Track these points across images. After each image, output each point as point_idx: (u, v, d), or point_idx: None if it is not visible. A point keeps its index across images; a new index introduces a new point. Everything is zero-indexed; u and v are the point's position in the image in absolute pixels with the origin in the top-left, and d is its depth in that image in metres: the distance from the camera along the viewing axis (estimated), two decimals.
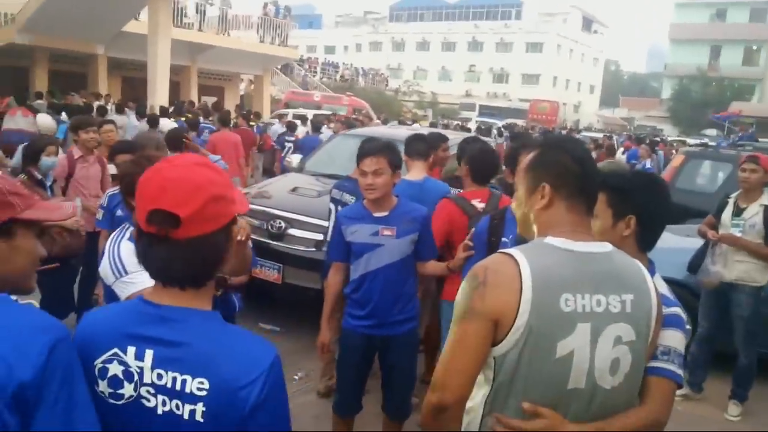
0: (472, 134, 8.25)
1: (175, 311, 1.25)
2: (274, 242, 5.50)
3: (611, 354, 1.51)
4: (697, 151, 8.48)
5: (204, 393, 1.20)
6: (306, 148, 9.06)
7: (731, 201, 4.51)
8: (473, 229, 3.17)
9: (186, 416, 1.21)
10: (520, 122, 35.29)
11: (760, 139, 20.36)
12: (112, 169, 5.09)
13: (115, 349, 1.24)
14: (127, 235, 2.39)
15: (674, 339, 1.70)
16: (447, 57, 57.43)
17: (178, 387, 1.21)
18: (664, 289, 1.79)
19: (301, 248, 5.40)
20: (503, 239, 3.03)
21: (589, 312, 1.48)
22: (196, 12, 20.61)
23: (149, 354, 1.22)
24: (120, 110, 12.49)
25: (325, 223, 5.34)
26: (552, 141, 1.75)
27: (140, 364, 1.22)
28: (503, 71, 55.25)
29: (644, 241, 1.89)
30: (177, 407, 1.21)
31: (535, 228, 1.65)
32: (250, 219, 5.68)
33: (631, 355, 1.54)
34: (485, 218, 3.23)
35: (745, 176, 4.39)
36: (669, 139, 27.41)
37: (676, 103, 44.12)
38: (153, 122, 10.03)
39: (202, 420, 1.20)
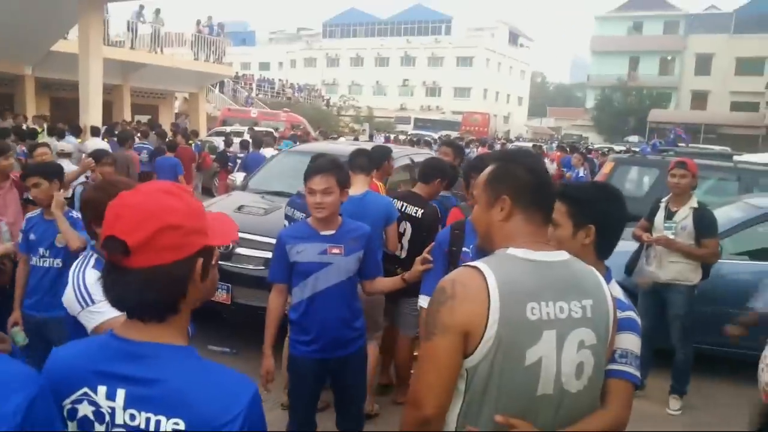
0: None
1: (145, 347, 1.18)
2: (222, 262, 5.43)
3: (576, 358, 1.56)
4: (625, 158, 8.96)
5: None
6: (251, 165, 9.03)
7: (663, 205, 4.75)
8: (432, 243, 3.15)
9: None
10: (454, 134, 36.03)
11: (679, 144, 21.63)
12: None
13: (85, 389, 1.17)
14: (92, 262, 2.31)
15: (630, 342, 1.79)
16: (381, 72, 58.10)
17: (152, 428, 1.14)
18: (619, 293, 1.89)
19: (250, 267, 5.36)
20: (464, 249, 3.07)
21: (554, 319, 1.52)
22: (128, 30, 20.14)
23: (121, 393, 1.16)
24: (52, 132, 12.05)
25: (272, 241, 5.36)
26: (508, 155, 1.83)
27: (111, 404, 1.16)
28: (435, 85, 56.33)
29: (602, 250, 1.97)
30: None
31: (495, 239, 1.68)
32: None
33: (593, 359, 1.59)
34: (446, 229, 3.26)
35: (675, 181, 4.61)
36: (596, 146, 28.61)
37: (600, 112, 46.18)
38: (123, 140, 9.74)
39: None
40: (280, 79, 42.93)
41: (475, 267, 1.55)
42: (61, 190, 3.89)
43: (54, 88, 19.59)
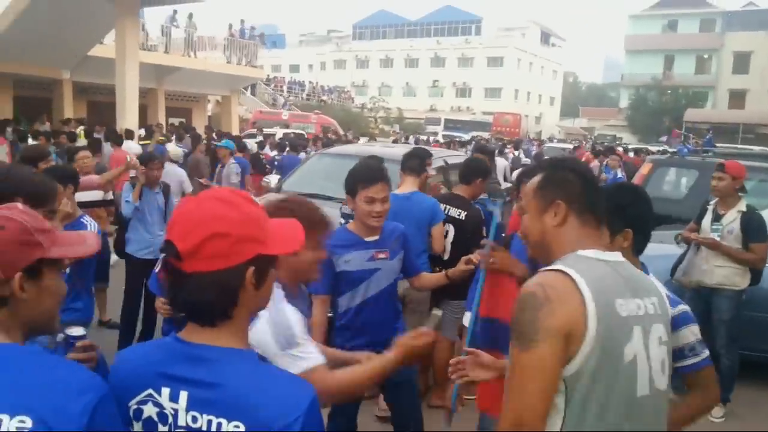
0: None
1: (208, 350, 1.21)
2: None
3: (660, 354, 1.56)
4: (663, 159, 8.77)
5: None
6: (287, 168, 9.10)
7: (710, 207, 4.69)
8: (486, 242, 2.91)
9: None
10: (485, 135, 35.80)
11: (717, 144, 21.15)
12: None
13: (150, 390, 1.21)
14: (282, 294, 2.01)
15: (693, 333, 1.95)
16: (410, 73, 58.07)
17: (213, 429, 1.17)
18: (664, 290, 1.88)
19: None
20: None
21: (637, 315, 1.52)
22: (162, 34, 20.50)
23: (184, 395, 1.19)
24: (89, 135, 12.33)
25: None
26: (556, 161, 1.83)
27: (175, 405, 1.19)
28: (466, 85, 56.07)
29: (638, 248, 2.07)
30: None
31: (553, 245, 1.66)
32: None
33: (668, 356, 1.61)
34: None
35: (714, 184, 4.60)
36: (630, 146, 28.12)
37: (634, 112, 45.37)
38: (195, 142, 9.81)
39: None
40: (310, 81, 43.22)
41: (556, 270, 1.52)
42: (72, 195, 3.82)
43: (91, 91, 20.03)
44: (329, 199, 6.27)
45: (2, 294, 1.18)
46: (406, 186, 4.33)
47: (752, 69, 44.74)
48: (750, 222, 4.45)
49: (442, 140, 27.08)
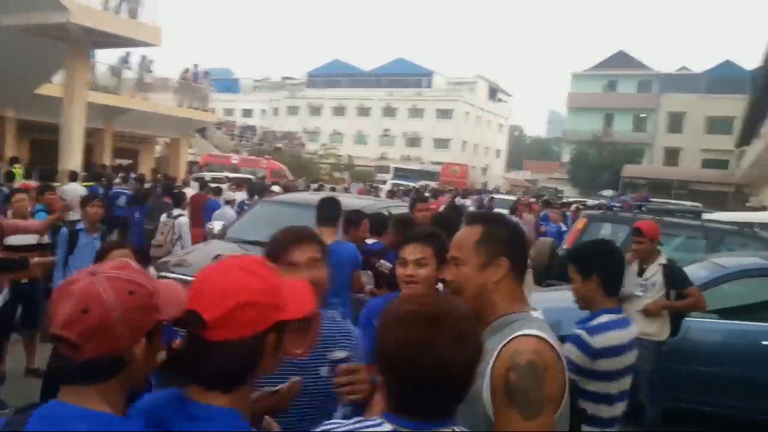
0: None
1: (205, 410, 1.21)
2: None
3: None
4: (598, 215, 9.19)
5: None
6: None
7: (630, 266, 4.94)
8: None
9: None
10: (433, 184, 36.45)
11: (652, 199, 22.12)
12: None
13: None
14: None
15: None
16: (362, 122, 58.96)
17: None
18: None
19: None
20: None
21: None
22: (112, 75, 20.36)
23: None
24: (29, 175, 12.05)
25: None
26: (492, 217, 1.93)
27: None
28: (416, 135, 57.21)
29: (610, 289, 2.67)
30: None
31: (493, 299, 1.73)
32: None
33: None
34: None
35: (635, 248, 4.93)
36: (570, 199, 29.14)
37: (575, 166, 47.16)
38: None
39: None
40: (261, 126, 43.36)
41: (534, 335, 1.59)
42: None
43: (35, 129, 19.59)
44: None
45: (126, 359, 1.18)
46: (326, 237, 4.34)
47: (685, 128, 47.40)
48: (674, 272, 4.77)
49: (390, 188, 27.54)
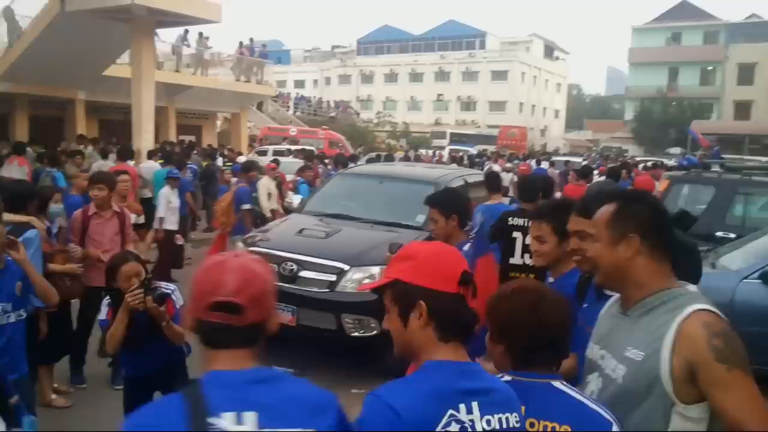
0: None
1: (475, 365, 1.50)
2: (287, 285, 5.52)
3: None
4: (681, 176, 8.81)
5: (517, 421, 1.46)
6: None
7: None
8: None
9: None
10: (491, 148, 35.88)
11: (724, 156, 21.15)
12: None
13: (450, 410, 1.36)
14: None
15: None
16: (415, 87, 58.32)
17: (504, 425, 1.41)
18: None
19: (315, 290, 5.46)
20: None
21: None
22: (173, 53, 20.71)
23: (475, 405, 1.39)
24: (105, 155, 12.45)
25: (335, 264, 5.43)
26: (630, 193, 1.96)
27: (471, 416, 1.37)
28: (470, 99, 56.26)
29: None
30: None
31: (626, 277, 1.77)
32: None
33: None
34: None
35: None
36: (637, 159, 28.14)
37: (639, 124, 45.45)
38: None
39: None
40: (315, 97, 43.46)
41: (711, 311, 1.65)
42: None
43: (102, 110, 20.22)
44: (352, 219, 6.37)
45: (267, 327, 1.39)
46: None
47: (757, 80, 44.83)
48: None
49: (446, 154, 27.25)
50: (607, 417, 1.59)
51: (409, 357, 1.54)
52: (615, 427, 1.58)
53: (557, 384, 1.64)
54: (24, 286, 3.22)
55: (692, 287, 1.77)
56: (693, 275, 2.20)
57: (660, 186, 8.34)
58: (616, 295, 1.93)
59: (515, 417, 1.45)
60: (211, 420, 1.21)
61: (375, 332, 5.26)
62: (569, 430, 1.56)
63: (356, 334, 5.29)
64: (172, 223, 8.33)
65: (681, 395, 1.60)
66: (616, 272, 1.78)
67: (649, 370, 1.64)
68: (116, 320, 3.18)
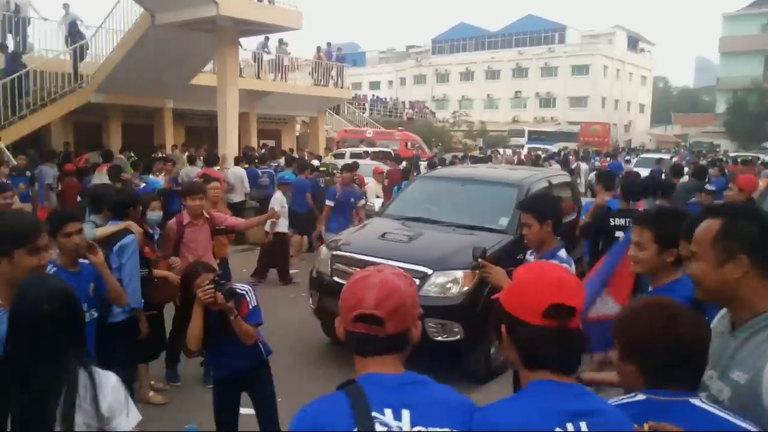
0: None
1: (581, 387, 1.50)
2: None
3: None
4: None
5: None
6: None
7: None
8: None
9: None
10: (572, 145, 34.90)
11: None
12: None
13: (558, 428, 1.38)
14: None
15: None
16: (492, 85, 57.56)
17: None
18: None
19: None
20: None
21: None
22: (254, 60, 21.34)
23: (584, 425, 1.38)
24: (192, 161, 12.98)
25: (419, 268, 5.41)
26: (735, 209, 1.84)
27: None
28: (549, 95, 54.95)
29: None
30: None
31: (737, 297, 1.71)
32: (345, 267, 5.82)
33: None
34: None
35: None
36: (730, 154, 26.58)
37: (732, 117, 42.87)
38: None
39: None
40: (391, 98, 43.66)
41: None
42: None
43: (187, 117, 21.11)
44: (434, 222, 6.34)
45: (410, 337, 1.49)
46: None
47: None
48: None
49: (525, 152, 26.72)
50: (753, 431, 1.51)
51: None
52: None
53: (696, 401, 1.55)
54: (97, 288, 3.41)
55: None
56: None
57: (762, 183, 7.83)
58: (722, 311, 1.86)
59: None
60: (375, 414, 1.35)
61: (458, 337, 5.22)
62: None
63: (439, 338, 5.26)
64: (283, 227, 8.83)
65: None
66: (723, 292, 1.73)
67: (752, 390, 1.58)
68: (193, 317, 3.34)
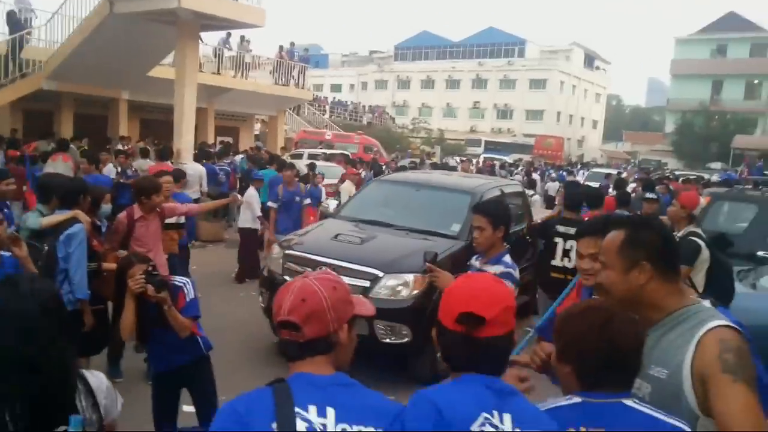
0: None
1: (507, 385, 1.58)
2: None
3: None
4: (723, 193, 8.64)
5: None
6: None
7: None
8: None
9: None
10: (526, 157, 35.58)
11: (766, 173, 20.53)
12: None
13: (485, 414, 1.45)
14: None
15: None
16: (451, 94, 58.24)
17: None
18: None
19: None
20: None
21: None
22: (214, 56, 21.06)
23: (507, 417, 1.47)
24: (145, 154, 12.73)
25: (370, 270, 5.46)
26: (637, 220, 1.98)
27: (503, 426, 1.46)
28: (507, 107, 55.94)
29: None
30: None
31: (642, 302, 1.82)
32: (296, 266, 5.82)
33: None
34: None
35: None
36: (677, 173, 27.56)
37: (680, 137, 44.49)
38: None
39: None
40: (352, 102, 43.70)
41: (730, 326, 1.71)
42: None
43: (144, 109, 20.67)
44: (388, 226, 6.40)
45: (334, 341, 1.50)
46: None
47: None
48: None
49: (482, 162, 27.16)
50: (685, 429, 1.57)
51: None
52: None
53: (628, 402, 1.60)
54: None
55: (707, 302, 1.82)
56: (727, 295, 2.27)
57: (703, 201, 8.16)
58: None
59: None
60: (298, 410, 1.38)
61: (406, 339, 5.28)
62: None
63: (388, 340, 5.31)
64: (253, 223, 9.11)
65: (704, 409, 1.66)
66: (631, 297, 1.83)
67: (674, 384, 1.70)
68: (125, 307, 3.33)
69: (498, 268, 3.68)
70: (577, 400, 1.61)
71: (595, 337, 1.60)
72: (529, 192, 13.39)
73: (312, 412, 1.38)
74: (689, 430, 1.57)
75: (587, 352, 1.61)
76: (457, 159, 28.55)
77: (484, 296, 1.54)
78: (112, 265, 4.68)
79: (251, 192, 9.12)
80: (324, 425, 1.37)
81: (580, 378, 1.64)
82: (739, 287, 5.25)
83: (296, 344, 1.48)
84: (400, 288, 5.38)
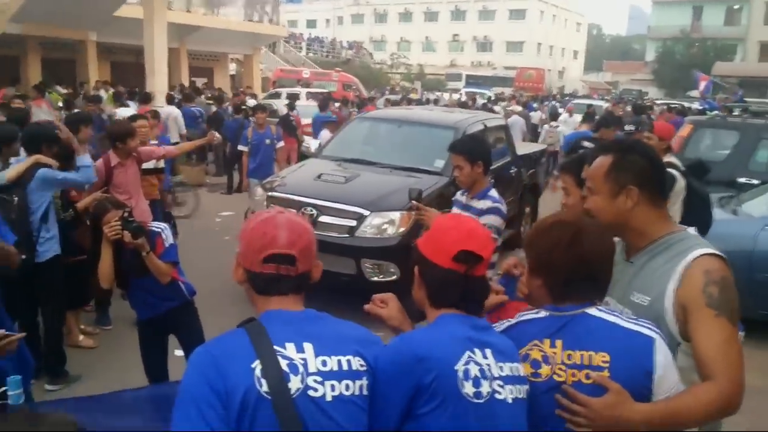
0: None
1: (483, 321, 1.61)
2: None
3: None
4: (704, 120, 8.63)
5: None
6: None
7: None
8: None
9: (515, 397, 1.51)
10: (507, 90, 35.25)
11: (746, 99, 20.60)
12: None
13: (468, 352, 1.47)
14: None
15: None
16: (430, 27, 56.97)
17: (515, 373, 1.52)
18: None
19: (335, 235, 5.45)
20: None
21: None
22: None
23: (489, 352, 1.50)
24: (119, 99, 12.37)
25: (355, 209, 5.43)
26: (625, 145, 1.94)
27: (487, 361, 1.48)
28: (487, 39, 54.96)
29: None
30: (516, 392, 1.52)
31: (628, 227, 1.82)
32: (279, 207, 5.76)
33: None
34: None
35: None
36: (658, 101, 27.55)
37: (661, 65, 44.25)
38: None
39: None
40: (329, 38, 42.61)
41: (715, 254, 1.71)
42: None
43: (114, 52, 20.00)
44: (371, 164, 6.33)
45: (311, 276, 1.51)
46: None
47: None
48: None
49: (464, 97, 26.80)
50: (647, 333, 1.56)
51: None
52: (658, 341, 1.55)
53: (592, 311, 1.60)
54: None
55: (692, 230, 1.82)
56: (704, 223, 2.26)
57: (682, 131, 8.15)
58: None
59: (520, 367, 1.54)
60: (277, 348, 1.37)
61: (394, 277, 5.30)
62: (607, 357, 1.53)
63: (375, 278, 5.33)
64: None
65: (684, 335, 1.68)
66: (618, 223, 1.82)
67: (655, 312, 1.70)
68: (102, 254, 3.28)
69: (485, 203, 3.66)
70: (543, 313, 1.63)
71: (563, 249, 1.61)
72: (554, 124, 13.16)
73: (290, 349, 1.37)
74: (652, 334, 1.56)
75: (556, 265, 1.62)
76: (438, 95, 28.22)
77: (478, 237, 1.56)
78: (87, 200, 4.52)
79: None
80: (304, 360, 1.37)
81: (550, 291, 1.65)
82: (720, 213, 5.33)
83: (287, 279, 1.45)
84: (386, 226, 5.36)
